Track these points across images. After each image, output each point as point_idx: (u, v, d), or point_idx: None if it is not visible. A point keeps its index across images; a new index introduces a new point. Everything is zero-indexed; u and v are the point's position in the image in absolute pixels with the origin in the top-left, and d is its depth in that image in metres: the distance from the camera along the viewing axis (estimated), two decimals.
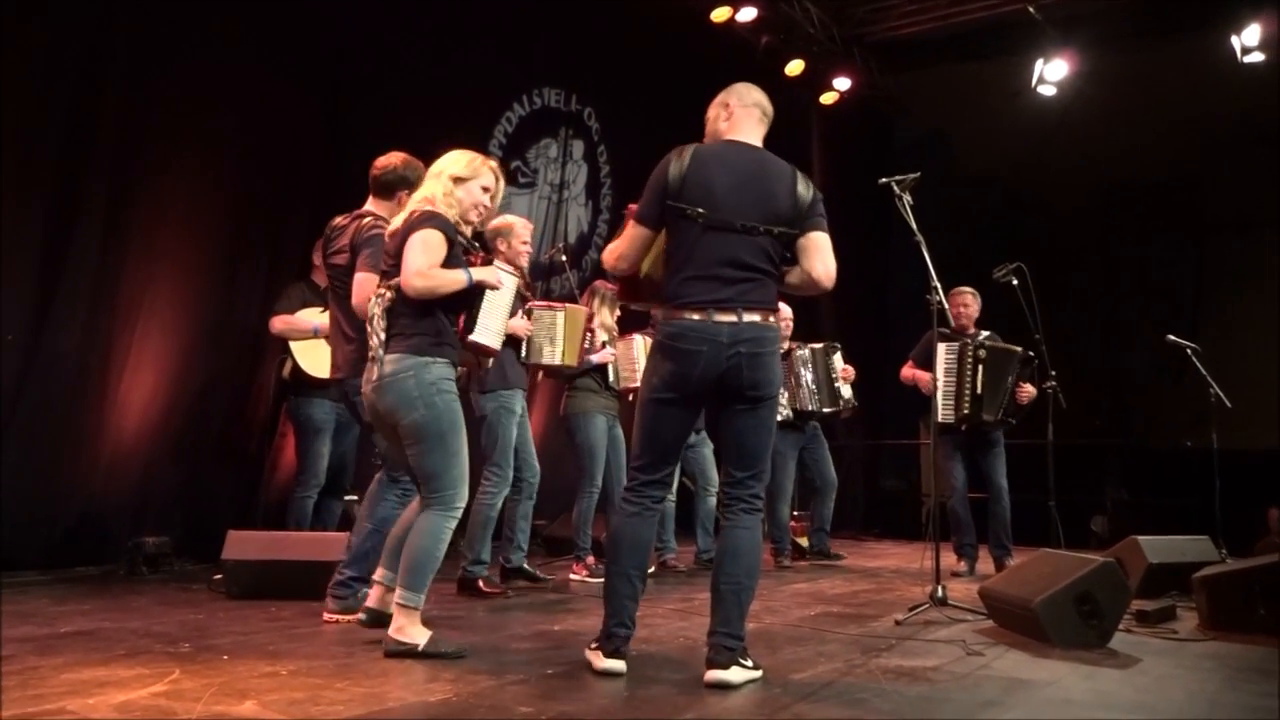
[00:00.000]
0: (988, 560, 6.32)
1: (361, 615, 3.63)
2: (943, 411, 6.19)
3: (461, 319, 3.65)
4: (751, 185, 3.24)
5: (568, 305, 5.40)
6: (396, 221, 3.61)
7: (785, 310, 6.82)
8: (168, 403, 5.69)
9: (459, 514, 3.53)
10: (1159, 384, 9.75)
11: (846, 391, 6.85)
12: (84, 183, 5.25)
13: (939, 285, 4.76)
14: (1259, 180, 9.59)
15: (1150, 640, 4.11)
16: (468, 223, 3.66)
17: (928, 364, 6.24)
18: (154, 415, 5.64)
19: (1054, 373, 6.24)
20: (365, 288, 3.85)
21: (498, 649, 3.62)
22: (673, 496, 6.28)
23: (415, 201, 3.61)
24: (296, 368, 5.52)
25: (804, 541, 7.11)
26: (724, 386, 3.21)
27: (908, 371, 6.62)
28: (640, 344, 5.72)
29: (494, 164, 3.71)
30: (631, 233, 3.33)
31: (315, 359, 5.43)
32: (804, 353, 6.75)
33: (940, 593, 4.52)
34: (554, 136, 8.37)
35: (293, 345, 5.54)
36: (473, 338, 3.67)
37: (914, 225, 4.64)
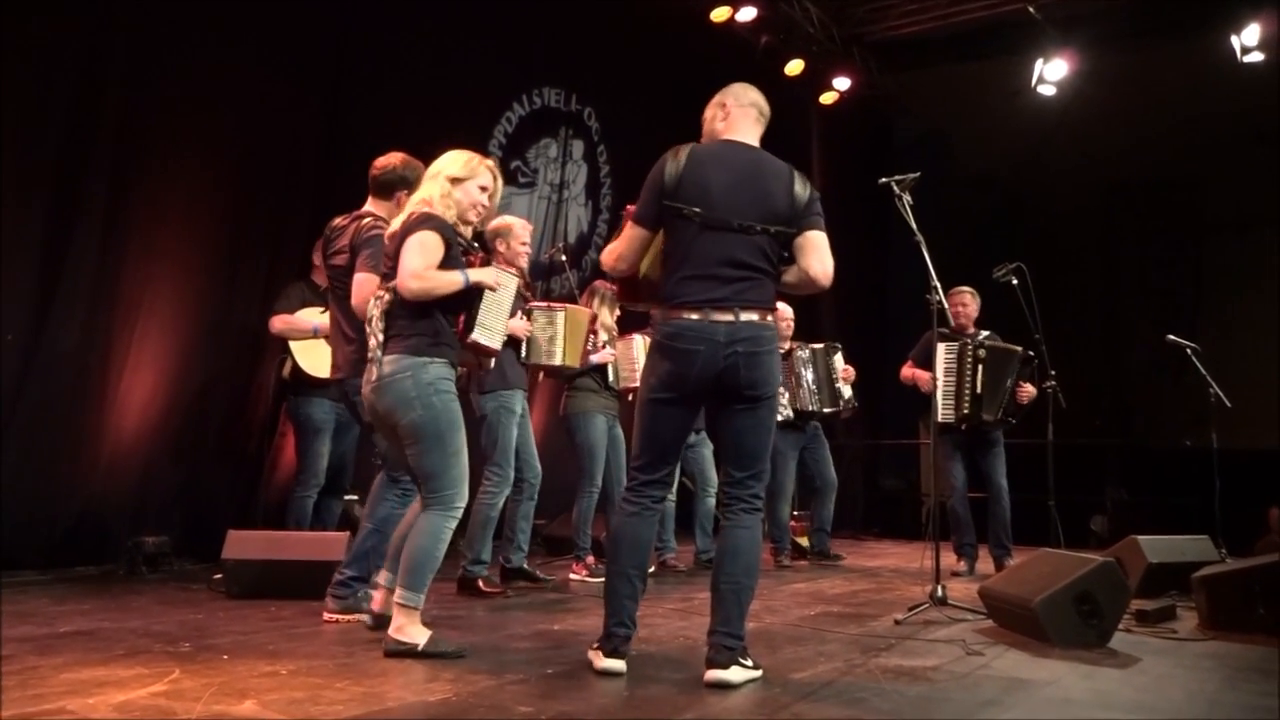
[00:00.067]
0: (987, 560, 6.32)
1: (367, 619, 3.63)
2: (942, 411, 6.19)
3: (461, 320, 3.65)
4: (748, 184, 3.24)
5: (569, 306, 5.40)
6: (395, 224, 3.62)
7: (786, 310, 6.83)
8: (167, 402, 5.69)
9: (459, 514, 3.53)
10: (1159, 384, 9.75)
11: (847, 392, 6.86)
12: (83, 182, 5.25)
13: (939, 285, 4.76)
14: (1259, 180, 9.59)
15: (1150, 640, 4.11)
16: (467, 223, 3.66)
17: (927, 364, 6.24)
18: (154, 415, 5.63)
19: (1054, 372, 6.25)
20: (365, 288, 3.85)
21: (497, 648, 3.62)
22: (673, 496, 6.28)
23: (413, 204, 3.61)
24: (296, 367, 5.52)
25: (804, 541, 7.12)
26: (722, 386, 3.21)
27: (907, 371, 6.62)
28: (640, 344, 5.72)
29: (491, 163, 3.71)
30: (629, 233, 3.33)
31: (315, 359, 5.43)
32: (805, 353, 6.75)
33: (940, 592, 4.52)
34: (554, 136, 8.37)
35: (292, 345, 5.54)
36: (472, 338, 3.67)
37: (914, 225, 4.64)
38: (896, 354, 7.04)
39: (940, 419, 6.15)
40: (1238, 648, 3.98)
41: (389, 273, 3.57)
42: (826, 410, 6.78)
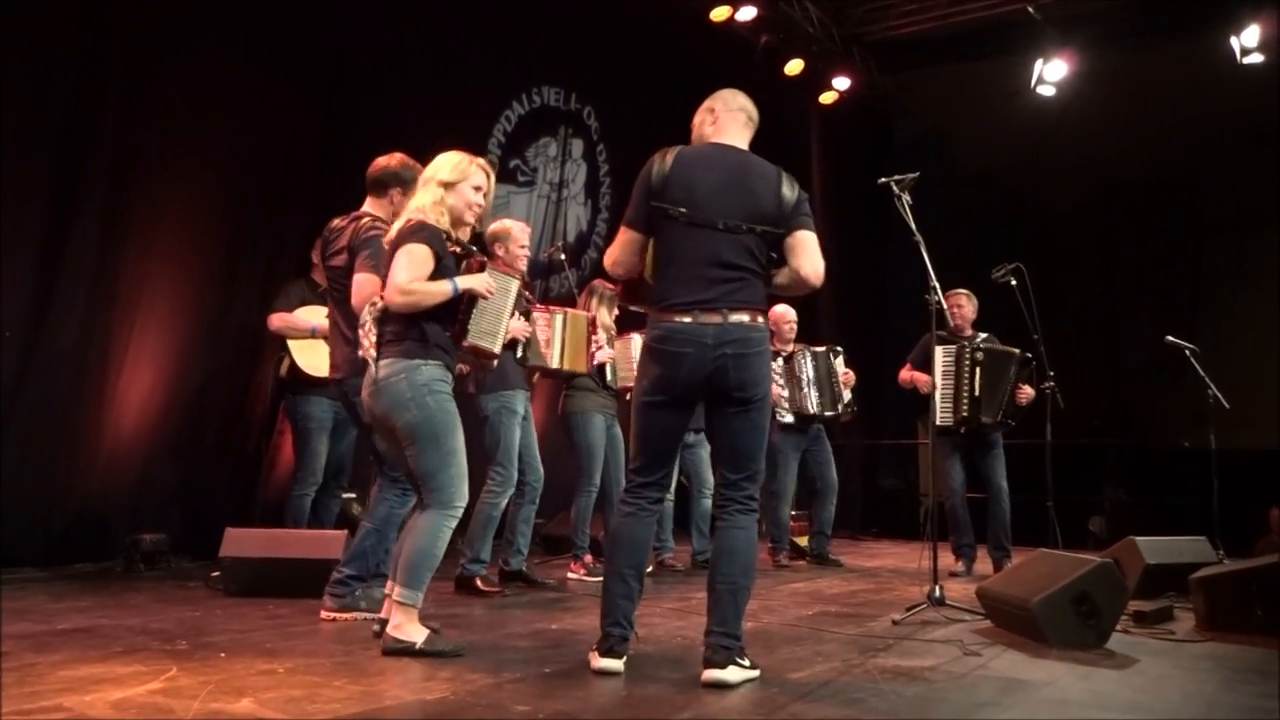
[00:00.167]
0: (986, 561, 6.32)
1: (375, 627, 3.63)
2: (941, 415, 6.19)
3: (456, 324, 3.67)
4: (735, 185, 3.24)
5: (568, 310, 5.40)
6: (392, 231, 3.64)
7: (789, 313, 6.84)
8: (166, 401, 5.69)
9: (458, 513, 3.54)
10: (1157, 384, 9.76)
11: (847, 395, 6.86)
12: (83, 181, 5.24)
13: (938, 285, 4.76)
14: (1258, 180, 9.60)
15: (1147, 641, 4.11)
16: (464, 224, 3.67)
17: (926, 367, 6.22)
18: (152, 413, 5.63)
19: (1052, 373, 6.24)
20: (365, 288, 3.86)
21: (495, 647, 3.62)
22: (671, 497, 6.28)
23: (409, 211, 3.63)
24: (294, 366, 5.52)
25: (803, 542, 7.11)
26: (712, 388, 3.21)
27: (906, 374, 6.62)
28: (639, 343, 5.70)
29: (482, 161, 3.71)
30: (622, 237, 3.34)
31: (313, 358, 5.43)
32: (807, 356, 6.75)
33: (938, 593, 4.52)
34: (553, 135, 8.37)
35: (290, 344, 5.54)
36: (468, 342, 3.68)
37: (913, 225, 4.64)
38: (895, 354, 7.04)
39: (939, 423, 6.15)
40: (1235, 649, 3.98)
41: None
42: (827, 414, 6.78)
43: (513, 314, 3.94)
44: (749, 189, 3.25)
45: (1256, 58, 9.06)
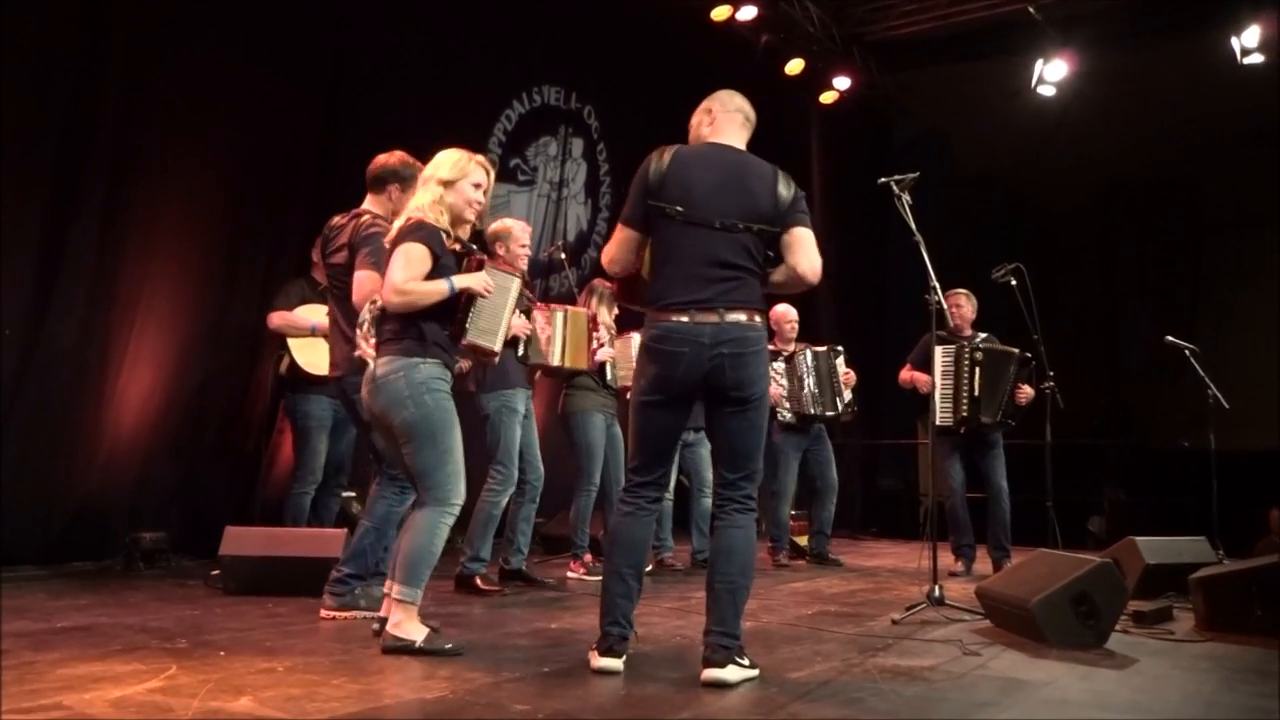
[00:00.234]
0: (985, 560, 6.32)
1: (374, 626, 3.63)
2: (940, 415, 6.19)
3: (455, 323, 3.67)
4: (731, 184, 3.25)
5: (569, 307, 5.40)
6: (393, 230, 3.64)
7: (791, 312, 6.84)
8: (166, 399, 5.69)
9: (455, 511, 3.55)
10: (1157, 384, 9.76)
11: (847, 396, 6.86)
12: (83, 180, 5.24)
13: (938, 286, 4.76)
14: (1258, 180, 9.60)
15: (1147, 641, 4.11)
16: (464, 222, 3.67)
17: (925, 367, 6.22)
18: (152, 411, 5.63)
19: (1052, 373, 6.24)
20: (366, 285, 3.88)
21: (495, 646, 3.62)
22: (670, 496, 6.28)
23: (409, 210, 3.64)
24: (293, 364, 5.52)
25: (803, 542, 7.11)
26: (709, 387, 3.22)
27: (905, 374, 6.62)
28: (639, 342, 5.70)
29: (482, 158, 3.72)
30: (619, 235, 3.35)
31: (312, 356, 5.43)
32: (808, 356, 6.75)
33: (937, 592, 4.52)
34: (553, 134, 8.37)
35: (290, 342, 5.54)
36: (467, 340, 3.68)
37: (913, 225, 4.63)
38: (895, 354, 7.04)
39: (939, 423, 6.16)
40: (1235, 649, 3.98)
41: None
42: (828, 413, 6.78)
43: (514, 312, 3.94)
44: (745, 188, 3.25)
45: (1257, 58, 9.06)
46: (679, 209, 3.21)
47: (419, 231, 3.54)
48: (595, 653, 3.21)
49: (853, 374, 6.87)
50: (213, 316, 5.89)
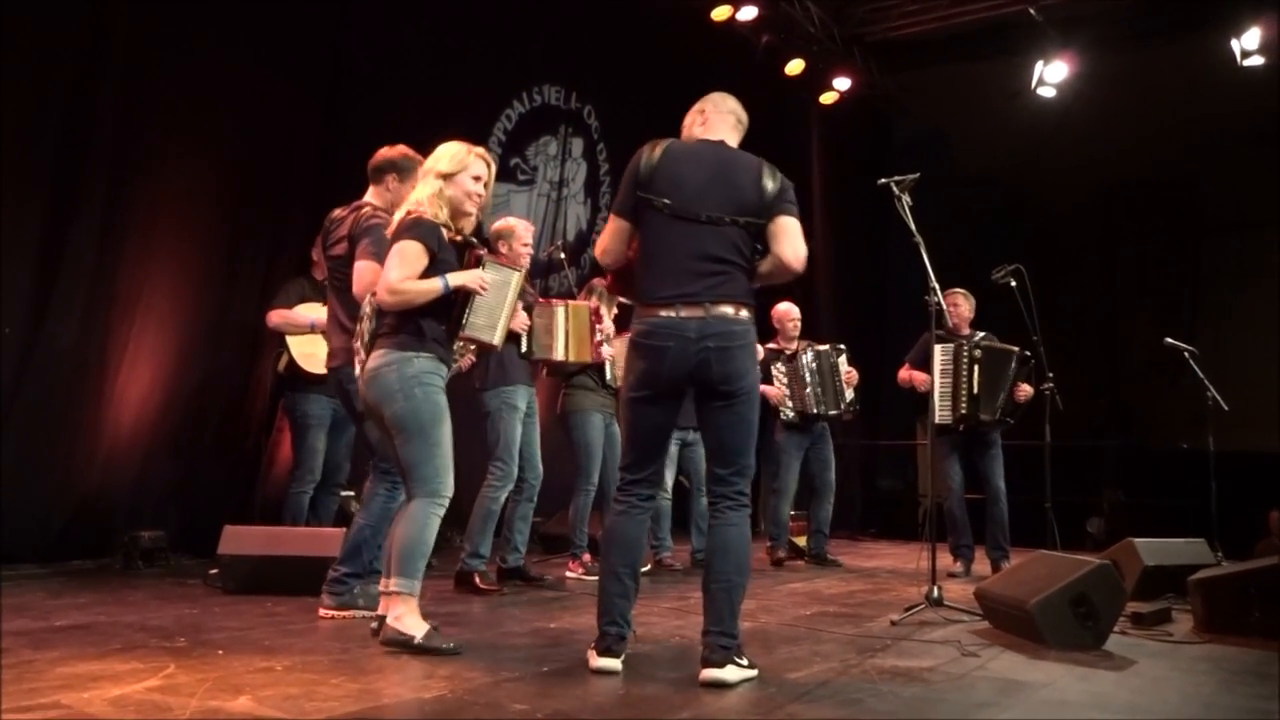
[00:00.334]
0: (984, 561, 6.32)
1: (373, 625, 3.63)
2: (940, 413, 6.19)
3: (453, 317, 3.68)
4: (719, 179, 3.26)
5: (569, 301, 5.40)
6: (393, 223, 3.65)
7: (793, 310, 6.85)
8: (165, 398, 5.69)
9: (445, 503, 3.56)
10: (1156, 385, 9.76)
11: (849, 394, 6.86)
12: (82, 179, 5.24)
13: (938, 286, 4.75)
14: (1257, 181, 9.61)
15: (1146, 642, 4.11)
16: (465, 215, 3.67)
17: (924, 366, 6.22)
18: (151, 410, 5.63)
19: (1051, 374, 6.24)
20: (366, 276, 3.88)
21: (494, 646, 3.62)
22: (669, 496, 6.28)
23: (408, 204, 3.65)
24: (292, 363, 5.52)
25: (802, 542, 7.11)
26: (696, 382, 3.22)
27: (904, 374, 6.62)
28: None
29: (481, 150, 3.72)
30: (611, 226, 3.36)
31: (311, 355, 5.43)
32: (810, 354, 6.74)
33: (936, 593, 4.51)
34: (553, 134, 8.37)
35: (289, 340, 5.54)
36: (464, 334, 3.69)
37: (913, 226, 4.63)
38: (895, 354, 7.04)
39: (938, 420, 6.16)
40: (1233, 651, 3.98)
41: None
42: (830, 412, 6.78)
43: (515, 305, 3.95)
44: (732, 182, 3.26)
45: (1257, 60, 9.06)
46: (666, 202, 3.22)
47: (415, 229, 3.54)
48: (594, 652, 3.21)
49: (855, 373, 6.87)
50: (212, 315, 5.89)
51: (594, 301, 5.74)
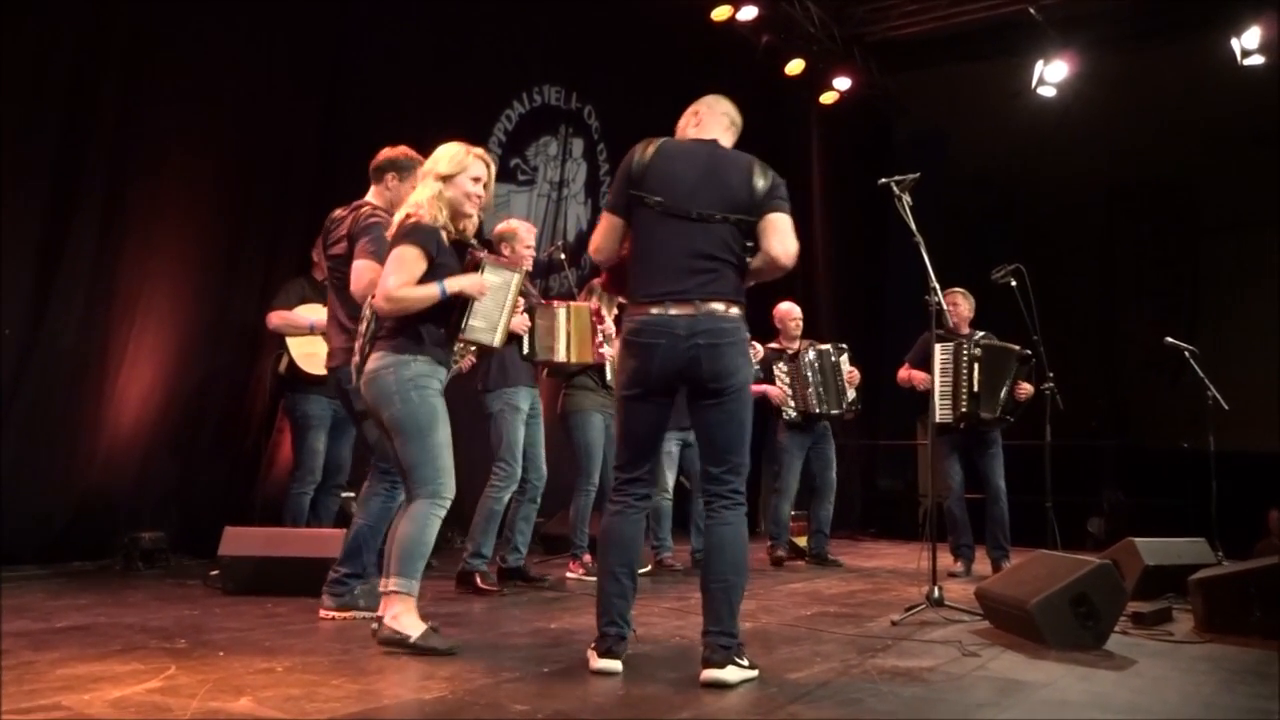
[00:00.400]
0: (984, 561, 6.32)
1: (373, 625, 3.63)
2: (940, 412, 6.19)
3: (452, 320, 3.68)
4: (711, 177, 3.27)
5: (571, 302, 5.40)
6: (392, 225, 3.64)
7: (795, 310, 6.85)
8: (165, 398, 5.69)
9: (446, 504, 3.56)
10: (1156, 385, 9.76)
11: (851, 394, 6.86)
12: (81, 178, 5.24)
13: (938, 286, 4.75)
14: (1257, 182, 9.61)
15: (1146, 642, 4.11)
16: (465, 216, 3.67)
17: (924, 366, 6.23)
18: (151, 411, 5.63)
19: (1051, 374, 6.24)
20: (365, 275, 3.88)
21: (494, 646, 3.62)
22: (669, 496, 6.28)
23: (407, 205, 3.64)
24: (292, 363, 5.52)
25: (802, 542, 7.11)
26: (687, 379, 3.22)
27: (904, 373, 6.62)
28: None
29: (480, 151, 3.72)
30: (604, 224, 3.37)
31: (311, 355, 5.42)
32: (811, 354, 6.75)
33: (936, 593, 4.52)
34: (554, 134, 8.37)
35: (289, 341, 5.54)
36: (464, 336, 3.69)
37: (913, 226, 4.63)
38: (895, 354, 7.04)
39: (938, 419, 6.16)
40: (1234, 650, 3.98)
41: None
42: (832, 411, 6.78)
43: (515, 305, 3.95)
44: (723, 180, 3.27)
45: (1257, 59, 9.06)
46: (658, 199, 3.22)
47: (413, 234, 3.54)
48: (594, 653, 3.21)
49: (856, 372, 6.87)
50: (212, 315, 5.90)
51: (594, 302, 5.75)
